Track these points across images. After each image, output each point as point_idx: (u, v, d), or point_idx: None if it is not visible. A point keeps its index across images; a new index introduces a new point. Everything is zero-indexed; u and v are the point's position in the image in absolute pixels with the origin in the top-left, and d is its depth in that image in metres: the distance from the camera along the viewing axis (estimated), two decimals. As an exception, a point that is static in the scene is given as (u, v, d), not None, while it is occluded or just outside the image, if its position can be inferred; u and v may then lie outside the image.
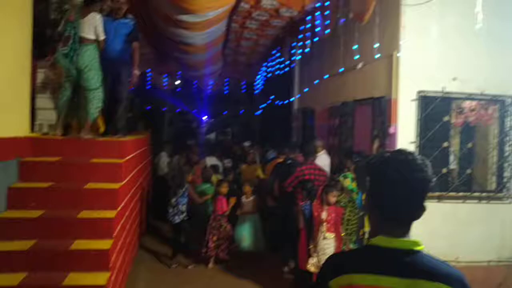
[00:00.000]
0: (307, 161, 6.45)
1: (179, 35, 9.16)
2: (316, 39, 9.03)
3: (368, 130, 7.23)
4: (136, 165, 6.86)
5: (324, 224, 5.41)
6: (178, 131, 18.20)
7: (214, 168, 9.55)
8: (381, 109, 6.74)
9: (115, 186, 4.92)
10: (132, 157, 6.30)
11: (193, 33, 8.93)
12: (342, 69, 8.25)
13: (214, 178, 8.55)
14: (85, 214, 4.61)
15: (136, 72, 5.91)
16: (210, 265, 7.00)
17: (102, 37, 5.59)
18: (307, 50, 9.24)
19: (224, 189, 7.23)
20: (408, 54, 6.31)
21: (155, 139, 12.23)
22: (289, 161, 7.22)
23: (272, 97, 13.76)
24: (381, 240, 1.55)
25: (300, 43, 9.50)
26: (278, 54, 11.66)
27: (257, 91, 15.97)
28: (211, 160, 10.12)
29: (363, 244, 6.49)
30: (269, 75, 13.05)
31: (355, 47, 7.47)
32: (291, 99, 12.22)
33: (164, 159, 10.34)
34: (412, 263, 1.51)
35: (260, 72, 14.73)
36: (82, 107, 5.51)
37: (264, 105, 15.05)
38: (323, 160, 7.36)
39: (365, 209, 1.89)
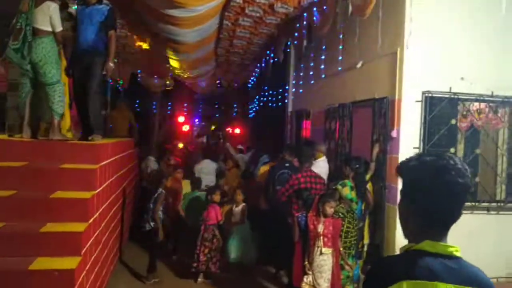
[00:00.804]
0: (303, 168, 5.92)
1: (168, 32, 8.66)
2: (312, 37, 8.54)
3: (367, 133, 6.72)
4: (117, 170, 6.30)
5: (321, 238, 4.87)
6: (167, 134, 17.69)
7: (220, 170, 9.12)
8: (383, 111, 6.23)
9: (87, 195, 4.36)
10: (112, 161, 5.75)
11: (183, 30, 8.44)
12: (340, 68, 7.73)
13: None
14: (50, 227, 4.05)
15: (111, 64, 5.33)
16: (200, 279, 6.42)
17: (58, 28, 5.05)
18: (302, 49, 8.73)
19: (217, 196, 6.66)
20: (412, 51, 5.82)
21: (143, 142, 11.71)
22: (286, 164, 6.69)
23: (265, 99, 13.21)
24: (428, 245, 1.55)
25: (296, 42, 8.99)
26: (272, 54, 11.14)
27: (250, 93, 15.42)
28: (204, 163, 9.55)
29: (362, 258, 6.00)
30: (263, 75, 12.52)
31: (355, 44, 6.97)
32: (285, 101, 11.69)
33: (151, 163, 9.78)
34: (458, 269, 1.53)
35: (253, 73, 14.21)
36: (45, 104, 4.96)
37: (257, 107, 14.49)
38: (321, 166, 6.83)
39: (402, 213, 1.59)
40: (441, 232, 1.60)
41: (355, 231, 5.56)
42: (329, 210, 4.90)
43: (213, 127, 19.68)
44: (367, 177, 6.09)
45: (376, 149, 6.23)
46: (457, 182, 1.52)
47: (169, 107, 17.15)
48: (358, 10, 6.11)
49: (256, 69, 13.54)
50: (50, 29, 4.96)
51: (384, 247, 6.00)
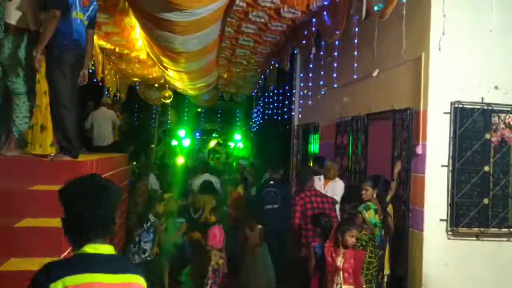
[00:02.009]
0: (304, 188, 5.20)
1: (167, 40, 8.03)
2: (322, 44, 7.88)
3: (386, 149, 6.01)
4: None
5: (340, 273, 4.12)
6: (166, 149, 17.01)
7: (209, 184, 8.27)
8: (405, 124, 5.53)
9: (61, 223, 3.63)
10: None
11: (182, 37, 7.81)
12: (355, 77, 7.02)
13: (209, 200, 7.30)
14: (13, 263, 3.32)
15: (87, 67, 4.56)
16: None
17: (34, 26, 4.26)
18: (310, 57, 8.06)
19: (212, 217, 5.92)
20: (440, 57, 5.14)
21: (142, 159, 11.00)
22: (271, 182, 6.45)
23: (270, 111, 12.50)
24: (88, 248, 1.83)
25: (303, 50, 8.33)
26: (277, 65, 10.49)
27: (253, 106, 14.74)
28: (204, 177, 8.80)
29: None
30: (267, 87, 11.84)
31: (370, 50, 6.30)
32: (291, 114, 10.99)
33: (153, 181, 9.03)
34: (111, 262, 1.86)
35: (256, 86, 13.56)
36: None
37: (261, 120, 13.78)
38: (337, 187, 6.15)
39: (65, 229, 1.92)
40: (96, 236, 1.85)
41: (376, 261, 4.83)
42: (350, 240, 4.15)
43: (215, 142, 19.00)
44: (388, 198, 5.37)
45: (397, 167, 5.51)
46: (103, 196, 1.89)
47: (168, 121, 16.50)
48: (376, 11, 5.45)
49: (259, 81, 12.89)
50: (24, 25, 4.23)
51: (409, 280, 5.23)
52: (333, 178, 6.41)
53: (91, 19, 4.48)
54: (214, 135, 19.03)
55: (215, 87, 14.53)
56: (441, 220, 5.09)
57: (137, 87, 14.41)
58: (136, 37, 9.44)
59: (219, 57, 10.76)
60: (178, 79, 12.05)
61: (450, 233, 5.10)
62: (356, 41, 6.69)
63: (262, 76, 12.33)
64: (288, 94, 11.37)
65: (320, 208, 4.90)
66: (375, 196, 5.05)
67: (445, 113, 5.13)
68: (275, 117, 12.10)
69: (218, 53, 10.25)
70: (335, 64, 7.59)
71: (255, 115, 14.61)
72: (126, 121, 12.50)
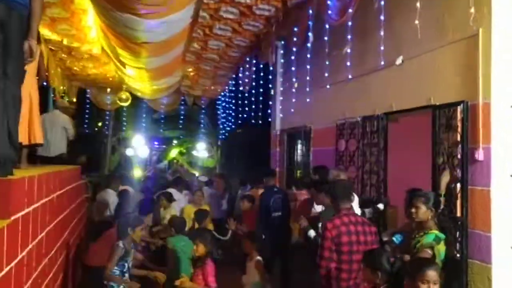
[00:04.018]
0: (340, 209, 3.71)
1: (126, 25, 6.49)
2: (318, 31, 6.55)
3: (421, 155, 4.75)
4: (54, 217, 3.98)
5: None
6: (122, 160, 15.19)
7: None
8: (453, 123, 4.27)
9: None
10: (43, 204, 3.44)
11: (148, 21, 6.30)
12: (374, 67, 5.73)
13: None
14: None
15: (34, 38, 2.98)
16: None
17: None
18: (308, 45, 6.69)
19: (201, 248, 4.34)
20: (504, 33, 3.93)
21: (95, 170, 9.29)
22: (275, 189, 5.79)
23: (244, 116, 11.02)
24: None
25: (295, 39, 6.95)
26: (254, 61, 9.11)
27: (222, 110, 13.19)
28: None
29: None
30: (241, 88, 10.39)
31: (393, 32, 5.03)
32: (272, 118, 9.60)
33: (111, 197, 7.39)
34: None
35: (226, 87, 12.07)
36: None
37: (232, 126, 12.28)
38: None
39: None
40: None
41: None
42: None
43: (175, 152, 17.23)
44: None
45: (445, 178, 4.24)
46: None
47: (123, 128, 14.69)
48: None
49: (230, 81, 11.43)
50: None
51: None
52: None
53: None
54: (175, 143, 17.30)
55: (177, 90, 12.94)
56: (514, 248, 3.85)
57: (88, 90, 12.59)
58: (88, 25, 7.80)
59: (186, 52, 9.25)
60: (137, 78, 10.41)
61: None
62: (382, 17, 5.32)
63: (234, 76, 10.88)
64: (265, 95, 9.99)
65: (361, 242, 3.48)
66: (430, 217, 3.68)
67: (513, 107, 3.92)
68: (249, 121, 10.66)
69: (186, 46, 8.74)
70: (332, 57, 6.23)
71: (224, 120, 13.12)
72: (76, 128, 10.72)
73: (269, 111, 10.12)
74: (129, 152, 15.59)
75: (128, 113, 14.40)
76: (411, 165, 5.17)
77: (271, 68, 9.12)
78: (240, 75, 10.19)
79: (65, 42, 8.49)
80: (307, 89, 7.42)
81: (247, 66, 9.67)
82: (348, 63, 5.99)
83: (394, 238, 4.00)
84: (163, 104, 13.84)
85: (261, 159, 10.42)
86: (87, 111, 12.87)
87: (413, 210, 3.73)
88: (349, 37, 5.80)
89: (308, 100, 7.42)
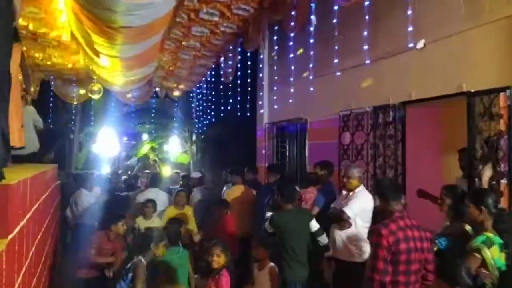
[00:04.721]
0: (392, 211, 3.17)
1: (105, 7, 5.74)
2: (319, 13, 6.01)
3: (450, 147, 4.31)
4: (40, 227, 3.28)
5: None
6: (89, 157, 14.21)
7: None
8: (493, 111, 3.84)
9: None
10: (30, 218, 2.76)
11: (129, 2, 5.59)
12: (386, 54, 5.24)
13: None
14: None
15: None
16: None
17: None
18: (311, 28, 6.11)
19: (221, 258, 3.72)
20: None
21: (60, 168, 8.46)
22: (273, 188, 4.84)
23: (225, 108, 10.33)
24: None
25: (296, 22, 6.36)
26: (239, 48, 8.48)
27: (198, 103, 12.45)
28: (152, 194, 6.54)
29: None
30: (222, 79, 9.71)
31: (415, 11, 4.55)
32: (259, 110, 9.01)
33: (85, 198, 6.67)
34: None
35: (203, 78, 11.36)
36: None
37: (212, 119, 11.57)
38: (366, 202, 4.29)
39: None
40: None
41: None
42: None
43: (147, 148, 16.31)
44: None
45: (487, 172, 3.81)
46: None
47: (91, 123, 13.71)
48: None
49: (208, 72, 10.72)
50: None
51: None
52: (354, 188, 4.48)
53: None
54: (146, 138, 16.36)
55: (149, 82, 12.13)
56: None
57: (52, 82, 11.59)
58: (59, 7, 6.96)
59: (165, 40, 8.52)
60: (110, 69, 9.58)
61: None
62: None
63: (213, 66, 10.19)
64: (249, 86, 9.38)
65: (418, 249, 2.96)
66: (484, 217, 3.18)
67: None
68: (229, 115, 10.00)
69: (166, 33, 8.02)
70: (331, 45, 5.72)
71: (200, 113, 12.39)
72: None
73: (254, 103, 9.50)
74: (96, 148, 14.61)
75: (96, 107, 13.43)
76: (443, 157, 4.74)
77: (261, 56, 8.51)
78: (222, 65, 9.54)
79: (31, 27, 7.57)
80: (310, 77, 6.72)
81: (230, 55, 9.05)
82: (359, 49, 5.46)
83: (438, 242, 3.53)
84: (134, 97, 12.96)
85: (242, 154, 9.80)
86: (51, 104, 11.85)
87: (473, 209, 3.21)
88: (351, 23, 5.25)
89: (305, 90, 6.86)
